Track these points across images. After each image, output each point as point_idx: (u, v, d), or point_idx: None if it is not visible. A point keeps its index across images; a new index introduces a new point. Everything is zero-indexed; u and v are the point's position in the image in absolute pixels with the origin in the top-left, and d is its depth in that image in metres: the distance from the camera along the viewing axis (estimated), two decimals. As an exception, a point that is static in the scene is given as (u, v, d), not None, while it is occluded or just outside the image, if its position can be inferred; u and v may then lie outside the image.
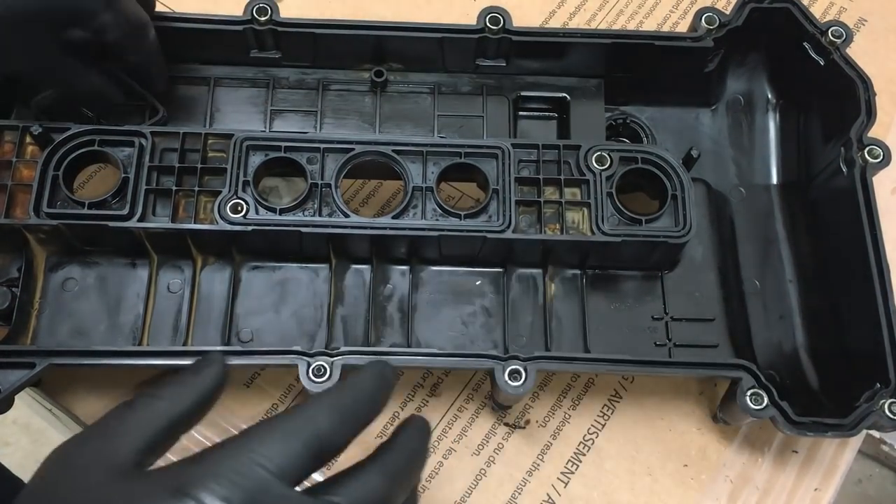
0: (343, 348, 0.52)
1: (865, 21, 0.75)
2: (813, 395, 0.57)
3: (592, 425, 0.60)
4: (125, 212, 0.53)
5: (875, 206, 0.56)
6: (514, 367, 0.51)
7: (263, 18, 0.59)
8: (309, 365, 0.51)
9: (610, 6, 0.76)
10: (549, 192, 0.56)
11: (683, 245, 0.56)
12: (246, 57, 0.61)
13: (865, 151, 0.57)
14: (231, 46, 0.61)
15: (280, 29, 0.59)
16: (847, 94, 0.58)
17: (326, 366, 0.51)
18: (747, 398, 0.52)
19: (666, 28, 0.75)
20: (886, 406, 0.51)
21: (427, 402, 0.60)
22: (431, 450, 0.59)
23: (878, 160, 0.56)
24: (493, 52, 0.61)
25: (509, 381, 0.51)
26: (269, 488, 0.32)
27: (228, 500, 0.31)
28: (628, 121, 0.64)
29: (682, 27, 0.74)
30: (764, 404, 0.52)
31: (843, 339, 0.57)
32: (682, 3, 0.76)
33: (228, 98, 0.62)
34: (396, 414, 0.60)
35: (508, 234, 0.54)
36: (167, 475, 0.33)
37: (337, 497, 0.34)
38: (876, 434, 1.22)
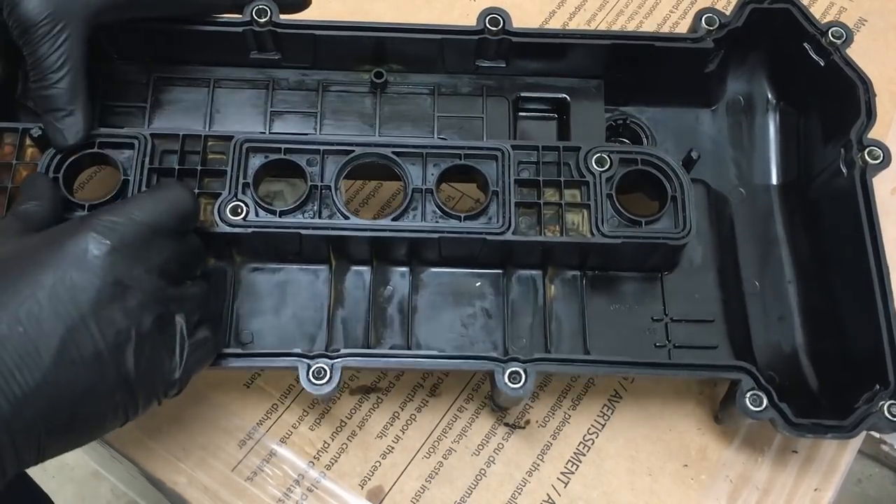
0: (343, 350, 0.52)
1: (865, 21, 0.75)
2: (812, 397, 0.57)
3: (592, 425, 0.60)
4: None
5: (875, 208, 0.56)
6: (513, 368, 0.52)
7: (263, 20, 0.59)
8: (309, 367, 0.51)
9: (610, 6, 0.76)
10: (549, 194, 0.56)
11: (683, 246, 0.56)
12: (246, 58, 0.61)
13: (865, 153, 0.57)
14: (231, 48, 0.60)
15: (280, 30, 0.59)
16: (847, 96, 0.58)
17: (326, 368, 0.51)
18: (747, 400, 0.52)
19: (666, 28, 0.75)
20: (885, 408, 0.51)
21: (427, 402, 0.61)
22: (431, 449, 0.59)
23: (878, 161, 0.56)
24: (492, 53, 0.61)
25: (509, 384, 0.51)
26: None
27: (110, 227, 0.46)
28: (628, 121, 0.64)
29: (682, 28, 0.74)
30: (763, 406, 0.52)
31: (843, 340, 0.57)
32: (682, 3, 0.76)
33: (228, 99, 0.62)
34: (396, 414, 0.60)
35: (508, 236, 0.54)
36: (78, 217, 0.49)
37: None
38: (876, 434, 1.21)
